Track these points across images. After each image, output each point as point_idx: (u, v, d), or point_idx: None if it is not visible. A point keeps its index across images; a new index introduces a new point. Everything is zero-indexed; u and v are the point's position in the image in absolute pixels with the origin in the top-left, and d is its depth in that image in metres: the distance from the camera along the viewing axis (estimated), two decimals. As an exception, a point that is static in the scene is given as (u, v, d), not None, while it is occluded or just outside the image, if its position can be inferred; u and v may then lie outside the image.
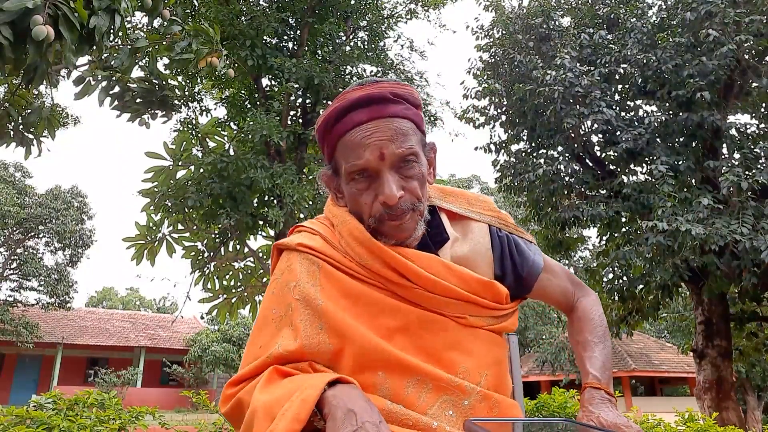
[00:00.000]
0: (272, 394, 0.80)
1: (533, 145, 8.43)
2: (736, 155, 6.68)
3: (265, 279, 9.99)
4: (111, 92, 4.38)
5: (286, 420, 0.72)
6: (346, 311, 0.91)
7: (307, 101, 9.52)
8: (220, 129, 9.61)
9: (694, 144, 7.28)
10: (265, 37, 9.01)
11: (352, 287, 0.93)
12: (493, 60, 8.55)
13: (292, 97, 9.12)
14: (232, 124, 9.64)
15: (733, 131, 7.29)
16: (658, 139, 7.24)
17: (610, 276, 7.91)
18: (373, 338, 0.88)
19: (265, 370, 0.87)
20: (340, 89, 9.22)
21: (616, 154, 7.49)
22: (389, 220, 0.93)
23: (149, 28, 5.92)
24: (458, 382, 0.89)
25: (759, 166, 6.28)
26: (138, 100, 4.69)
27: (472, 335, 0.96)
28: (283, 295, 0.95)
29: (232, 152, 8.85)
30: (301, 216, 8.86)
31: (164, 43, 3.99)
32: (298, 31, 9.70)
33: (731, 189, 6.05)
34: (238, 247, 9.50)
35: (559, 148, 8.01)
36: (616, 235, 8.22)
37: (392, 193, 0.90)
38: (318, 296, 0.92)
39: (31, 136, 4.34)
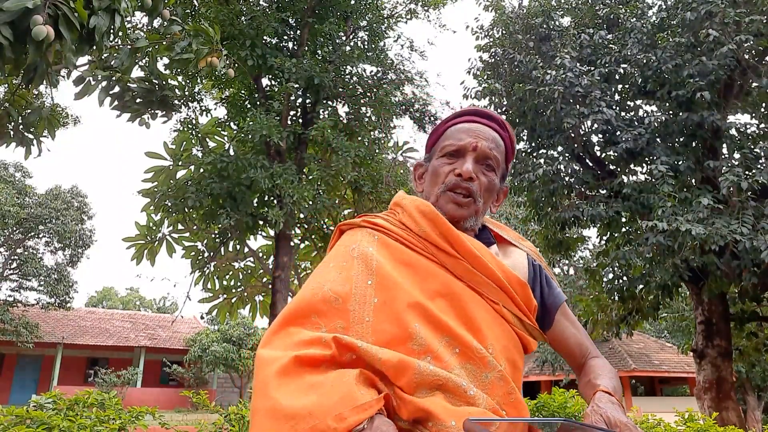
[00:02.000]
0: (285, 399, 0.79)
1: (533, 145, 8.42)
2: (736, 155, 6.68)
3: (265, 279, 10.00)
4: (111, 92, 4.38)
5: None
6: (396, 271, 1.01)
7: (307, 101, 9.52)
8: (220, 129, 9.61)
9: (694, 144, 7.28)
10: (265, 37, 9.01)
11: (405, 254, 1.04)
12: (493, 60, 8.54)
13: (292, 97, 9.11)
14: (232, 124, 9.64)
15: (733, 131, 7.28)
16: (658, 139, 7.23)
17: (610, 276, 7.91)
18: (416, 294, 0.97)
19: (307, 310, 0.94)
20: (340, 89, 9.24)
21: (616, 154, 7.48)
22: (454, 191, 1.10)
23: (149, 28, 5.92)
24: (484, 353, 0.93)
25: (759, 166, 6.27)
26: (138, 100, 4.69)
27: (502, 326, 1.02)
28: (341, 255, 1.06)
29: (232, 152, 8.85)
30: (301, 216, 8.86)
31: (164, 43, 3.99)
32: (298, 31, 9.70)
33: (731, 189, 6.05)
34: (238, 247, 9.50)
35: (559, 148, 8.00)
36: (616, 235, 8.21)
37: (469, 168, 1.09)
38: (374, 256, 1.03)
39: (31, 136, 4.34)
